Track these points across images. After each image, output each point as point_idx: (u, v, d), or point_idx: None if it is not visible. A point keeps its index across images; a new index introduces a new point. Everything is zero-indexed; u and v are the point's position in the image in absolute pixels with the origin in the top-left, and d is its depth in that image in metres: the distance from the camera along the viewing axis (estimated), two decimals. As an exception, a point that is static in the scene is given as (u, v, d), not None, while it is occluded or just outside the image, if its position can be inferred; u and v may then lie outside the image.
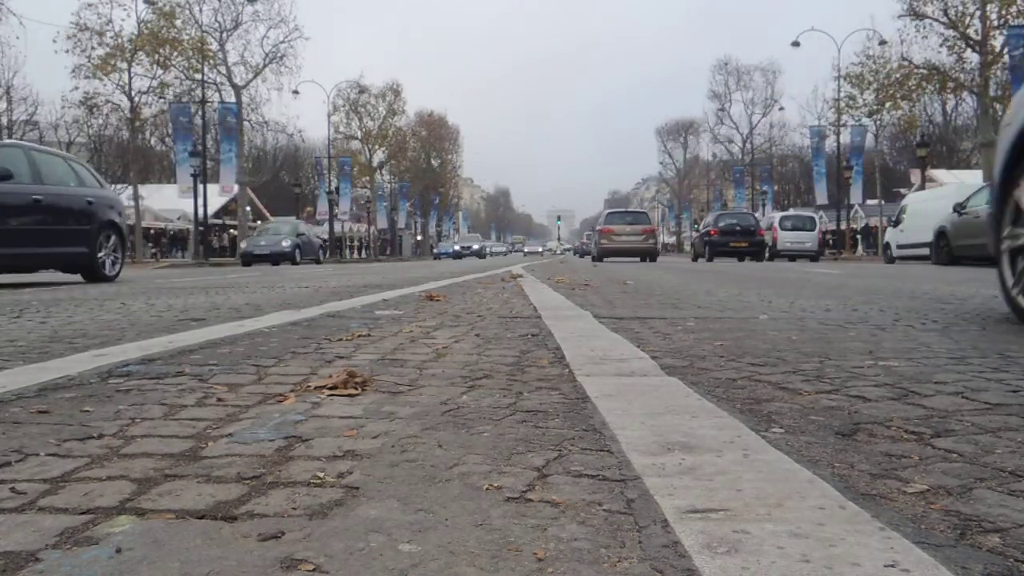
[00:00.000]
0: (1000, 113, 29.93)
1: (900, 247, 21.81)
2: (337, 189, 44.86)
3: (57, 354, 2.64)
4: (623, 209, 33.68)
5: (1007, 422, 1.54)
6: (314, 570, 0.85)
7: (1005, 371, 2.14)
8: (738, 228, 24.63)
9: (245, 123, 36.08)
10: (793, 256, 26.86)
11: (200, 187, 28.69)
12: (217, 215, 42.36)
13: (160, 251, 40.43)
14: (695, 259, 26.13)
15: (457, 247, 52.50)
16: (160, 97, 33.90)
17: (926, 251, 20.08)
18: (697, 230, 25.74)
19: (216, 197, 35.99)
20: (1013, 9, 26.48)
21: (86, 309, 4.90)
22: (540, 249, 53.17)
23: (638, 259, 22.06)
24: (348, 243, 50.36)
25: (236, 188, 34.77)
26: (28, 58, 50.01)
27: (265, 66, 36.29)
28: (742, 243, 24.11)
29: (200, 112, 32.75)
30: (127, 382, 2.02)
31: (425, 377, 2.10)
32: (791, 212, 34.28)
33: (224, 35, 35.70)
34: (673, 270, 12.91)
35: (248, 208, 38.91)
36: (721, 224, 25.13)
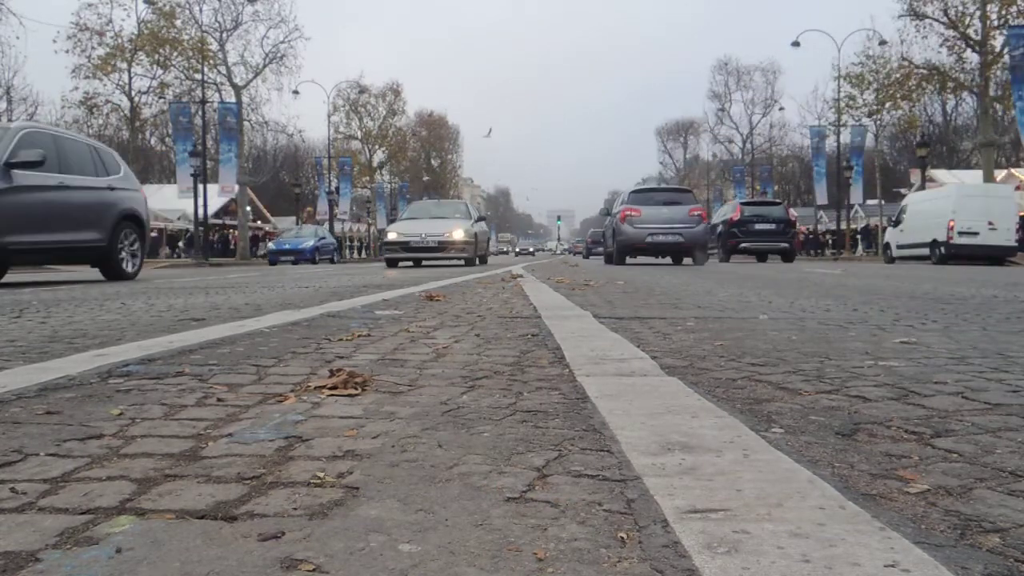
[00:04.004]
0: (1000, 113, 29.96)
1: (900, 247, 21.83)
2: (337, 189, 44.85)
3: (57, 354, 2.64)
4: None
5: (1007, 422, 1.54)
6: (314, 570, 0.85)
7: (1005, 371, 2.14)
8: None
9: (245, 123, 36.07)
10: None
11: (200, 187, 28.67)
12: (217, 215, 42.34)
13: (178, 253, 40.43)
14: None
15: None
16: (160, 97, 33.96)
17: (926, 251, 20.11)
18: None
19: (216, 197, 35.97)
20: (1013, 9, 26.49)
21: (86, 309, 4.90)
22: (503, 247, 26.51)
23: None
24: (348, 243, 50.26)
25: (236, 188, 34.74)
26: (28, 58, 49.86)
27: (265, 66, 36.31)
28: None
29: (200, 112, 32.73)
30: (127, 382, 2.02)
31: (425, 377, 2.10)
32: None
33: (224, 35, 35.71)
34: (666, 270, 12.90)
35: (248, 208, 38.90)
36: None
